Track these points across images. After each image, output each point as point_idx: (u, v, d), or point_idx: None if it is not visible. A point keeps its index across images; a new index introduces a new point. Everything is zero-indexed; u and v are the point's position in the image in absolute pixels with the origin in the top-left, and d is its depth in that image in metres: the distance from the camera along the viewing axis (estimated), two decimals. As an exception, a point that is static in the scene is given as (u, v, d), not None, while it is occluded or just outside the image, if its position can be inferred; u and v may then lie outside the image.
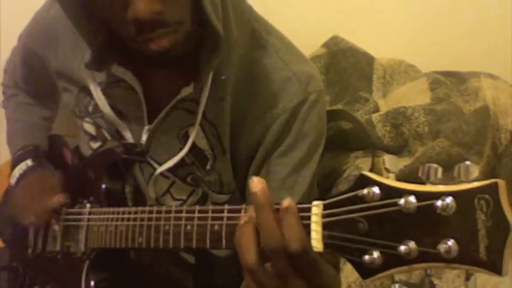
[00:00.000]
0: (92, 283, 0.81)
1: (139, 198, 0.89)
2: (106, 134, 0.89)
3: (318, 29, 1.11)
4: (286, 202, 0.51)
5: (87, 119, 0.90)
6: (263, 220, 0.51)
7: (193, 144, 0.82)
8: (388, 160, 0.49)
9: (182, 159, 0.83)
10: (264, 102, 0.82)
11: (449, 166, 0.85)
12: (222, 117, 0.81)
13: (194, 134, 0.81)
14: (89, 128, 0.90)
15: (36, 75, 1.01)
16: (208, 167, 0.85)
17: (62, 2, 0.72)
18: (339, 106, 1.06)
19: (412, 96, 1.02)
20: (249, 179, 0.85)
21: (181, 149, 0.83)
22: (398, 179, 0.88)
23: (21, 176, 0.93)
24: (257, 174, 0.84)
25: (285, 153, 0.82)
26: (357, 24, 1.15)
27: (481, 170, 0.87)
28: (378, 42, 1.12)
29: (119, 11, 0.65)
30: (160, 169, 0.85)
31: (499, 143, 0.92)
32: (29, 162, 0.95)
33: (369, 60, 1.11)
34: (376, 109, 1.04)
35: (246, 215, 0.53)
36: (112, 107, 0.85)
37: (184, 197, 0.89)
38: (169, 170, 0.85)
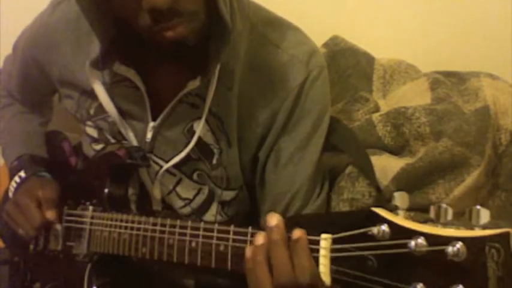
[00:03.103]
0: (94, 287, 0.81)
1: (144, 201, 0.89)
2: (108, 137, 0.88)
3: (318, 29, 1.11)
4: (297, 233, 0.54)
5: (89, 123, 0.90)
6: (277, 257, 0.54)
7: (199, 139, 0.83)
8: (398, 196, 0.49)
9: (188, 155, 0.84)
10: (269, 90, 0.83)
11: (452, 166, 0.86)
12: (228, 109, 0.82)
13: (200, 128, 0.81)
14: (91, 131, 0.90)
15: (33, 83, 1.00)
16: (214, 161, 0.85)
17: None
18: (339, 106, 1.06)
19: (413, 96, 1.02)
20: (259, 165, 0.86)
21: (187, 144, 0.83)
22: (399, 179, 0.89)
23: (16, 190, 0.93)
24: (267, 157, 0.85)
25: (292, 130, 0.84)
26: (357, 24, 1.15)
27: (482, 170, 0.87)
28: (378, 42, 1.12)
29: (134, 1, 0.65)
30: (167, 165, 0.85)
31: (499, 143, 0.92)
32: (22, 174, 0.94)
33: (369, 60, 1.10)
34: (377, 109, 1.04)
35: (258, 246, 0.55)
36: (115, 106, 0.85)
37: (190, 196, 0.89)
38: (176, 166, 0.85)
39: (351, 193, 0.91)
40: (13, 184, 0.94)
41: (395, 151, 0.97)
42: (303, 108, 0.83)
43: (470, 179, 0.86)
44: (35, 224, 0.85)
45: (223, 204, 0.89)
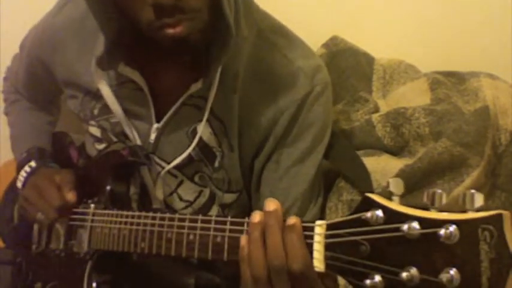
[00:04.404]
0: (94, 285, 0.81)
1: (145, 200, 0.90)
2: (111, 136, 0.89)
3: (318, 29, 1.11)
4: (292, 220, 0.54)
5: (92, 122, 0.90)
6: (271, 240, 0.55)
7: (202, 141, 0.83)
8: (392, 183, 0.49)
9: (190, 156, 0.84)
10: (271, 98, 0.83)
11: (451, 166, 0.86)
12: (231, 113, 0.82)
13: (201, 129, 0.81)
14: (94, 131, 0.91)
15: (39, 83, 1.01)
16: (216, 164, 0.85)
17: None
18: (339, 106, 1.07)
19: (412, 96, 1.02)
20: (255, 174, 0.86)
21: (189, 146, 0.83)
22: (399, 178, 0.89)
23: (27, 178, 0.93)
24: (264, 166, 0.85)
25: (291, 143, 0.84)
26: (357, 24, 1.15)
27: (481, 171, 0.87)
28: (378, 42, 1.12)
29: None
30: (169, 166, 0.86)
31: (499, 143, 0.92)
32: (32, 163, 0.95)
33: (369, 60, 1.10)
34: (376, 109, 1.04)
35: (254, 223, 0.56)
36: (120, 107, 0.85)
37: (191, 199, 0.89)
38: (177, 167, 0.86)
39: (350, 194, 0.92)
40: (22, 174, 0.94)
41: (395, 151, 0.97)
42: (303, 122, 0.83)
43: (470, 179, 0.86)
44: (56, 206, 0.84)
45: (223, 206, 0.90)
